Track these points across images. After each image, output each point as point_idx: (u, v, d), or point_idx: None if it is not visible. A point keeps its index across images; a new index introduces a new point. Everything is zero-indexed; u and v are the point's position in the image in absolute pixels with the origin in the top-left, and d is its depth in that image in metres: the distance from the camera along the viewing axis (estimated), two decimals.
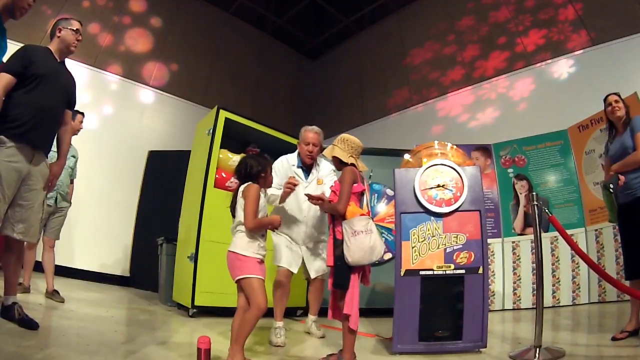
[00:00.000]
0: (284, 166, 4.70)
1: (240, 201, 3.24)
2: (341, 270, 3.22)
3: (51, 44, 3.75)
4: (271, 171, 3.51)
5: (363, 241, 3.18)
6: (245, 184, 3.29)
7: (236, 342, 2.95)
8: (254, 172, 3.34)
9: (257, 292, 3.03)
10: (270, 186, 3.67)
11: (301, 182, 4.57)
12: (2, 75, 3.28)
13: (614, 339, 3.85)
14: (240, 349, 2.95)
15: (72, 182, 5.76)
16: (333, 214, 3.39)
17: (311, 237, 4.63)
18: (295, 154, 4.81)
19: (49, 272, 5.31)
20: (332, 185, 3.59)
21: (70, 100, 3.88)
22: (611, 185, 4.16)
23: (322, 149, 4.61)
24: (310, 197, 3.51)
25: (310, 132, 4.67)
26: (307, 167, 4.75)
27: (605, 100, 4.39)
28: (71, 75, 3.90)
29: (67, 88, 3.78)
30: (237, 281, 3.11)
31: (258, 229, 3.20)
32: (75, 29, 3.79)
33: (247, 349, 3.36)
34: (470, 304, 3.78)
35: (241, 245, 3.14)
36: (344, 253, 3.20)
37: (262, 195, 3.32)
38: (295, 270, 4.49)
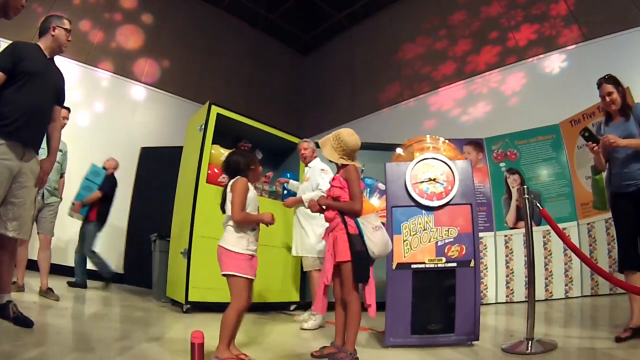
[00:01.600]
0: None
1: (229, 195, 3.23)
2: (364, 264, 3.28)
3: (42, 41, 3.72)
4: (258, 165, 3.49)
5: (382, 235, 3.34)
6: (234, 179, 3.29)
7: (221, 341, 2.95)
8: (240, 167, 3.33)
9: (240, 290, 3.04)
10: (259, 180, 3.75)
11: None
12: None
13: (618, 339, 3.60)
14: (225, 347, 2.96)
15: (62, 176, 5.70)
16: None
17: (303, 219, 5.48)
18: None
19: (43, 270, 5.28)
20: (331, 180, 3.62)
21: (60, 97, 3.86)
22: (592, 129, 4.01)
23: (314, 150, 5.66)
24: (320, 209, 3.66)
25: (302, 143, 5.75)
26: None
27: (599, 87, 4.13)
28: (60, 72, 3.88)
29: (56, 85, 3.76)
30: (224, 276, 3.11)
31: (246, 223, 3.18)
32: (68, 28, 3.78)
33: (241, 344, 3.37)
34: (462, 297, 3.80)
35: (230, 241, 3.12)
36: (365, 248, 3.27)
37: (251, 188, 3.31)
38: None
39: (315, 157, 5.62)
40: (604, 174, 4.15)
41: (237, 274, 3.04)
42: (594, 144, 3.89)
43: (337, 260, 3.31)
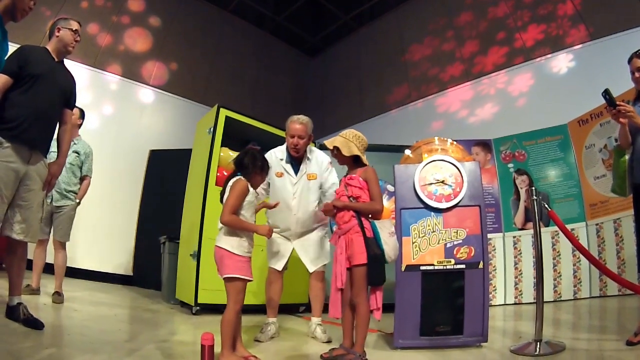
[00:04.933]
0: (272, 161, 4.39)
1: (227, 193, 3.22)
2: (380, 266, 3.32)
3: (49, 44, 3.78)
4: (264, 173, 3.43)
5: (395, 241, 3.41)
6: (235, 178, 3.25)
7: (224, 346, 2.98)
8: (250, 166, 3.28)
9: (239, 292, 3.08)
10: (256, 187, 3.56)
11: (290, 177, 4.47)
12: None
13: (629, 343, 3.46)
14: (230, 351, 3.00)
15: (83, 179, 5.63)
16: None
17: (303, 232, 4.49)
18: (284, 146, 4.60)
19: (57, 274, 5.27)
20: (346, 178, 3.62)
21: (69, 100, 3.89)
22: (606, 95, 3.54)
23: (310, 140, 4.52)
24: (336, 208, 3.51)
25: (295, 124, 4.42)
26: (296, 161, 4.53)
27: (630, 62, 3.73)
28: (70, 74, 3.91)
29: (64, 87, 3.79)
30: (225, 279, 3.11)
31: (235, 228, 3.15)
32: (74, 29, 3.82)
33: (249, 346, 3.38)
34: (471, 299, 3.80)
35: (232, 243, 3.13)
36: (381, 251, 3.32)
37: (252, 192, 3.27)
38: (279, 268, 4.41)
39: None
40: (627, 157, 3.80)
41: (241, 276, 3.07)
42: (612, 108, 3.53)
43: (354, 263, 3.32)
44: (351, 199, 3.46)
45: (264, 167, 3.39)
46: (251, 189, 3.27)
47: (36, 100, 3.49)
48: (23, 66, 3.43)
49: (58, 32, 3.77)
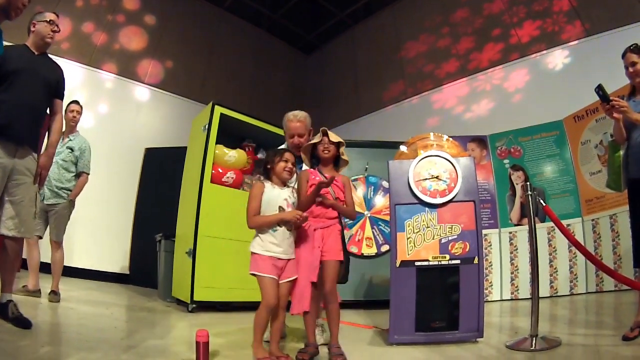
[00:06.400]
0: None
1: None
2: (348, 264, 3.48)
3: (27, 40, 3.79)
4: (281, 160, 3.31)
5: None
6: None
7: (254, 338, 3.05)
8: (268, 161, 3.37)
9: (263, 289, 3.09)
10: (286, 175, 3.31)
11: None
12: None
13: (625, 338, 3.47)
14: (258, 344, 3.05)
15: (79, 176, 5.48)
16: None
17: None
18: (285, 146, 4.18)
19: (53, 272, 5.21)
20: (333, 179, 3.56)
21: (57, 90, 3.87)
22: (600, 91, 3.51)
23: (310, 135, 4.10)
24: (325, 204, 3.44)
25: (293, 122, 4.06)
26: (298, 159, 3.83)
27: (624, 56, 3.76)
28: (55, 65, 3.90)
29: (49, 78, 3.77)
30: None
31: (260, 226, 3.20)
32: (48, 20, 3.81)
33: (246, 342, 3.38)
34: (466, 294, 3.80)
35: (252, 243, 3.21)
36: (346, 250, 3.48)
37: (271, 189, 3.26)
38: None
39: None
40: (622, 152, 3.81)
41: (255, 272, 3.12)
42: (606, 104, 3.50)
43: (333, 258, 3.30)
44: (337, 199, 3.48)
45: (273, 157, 3.36)
46: (268, 187, 3.26)
47: (18, 95, 3.48)
48: (1, 64, 3.43)
49: (33, 26, 3.78)
